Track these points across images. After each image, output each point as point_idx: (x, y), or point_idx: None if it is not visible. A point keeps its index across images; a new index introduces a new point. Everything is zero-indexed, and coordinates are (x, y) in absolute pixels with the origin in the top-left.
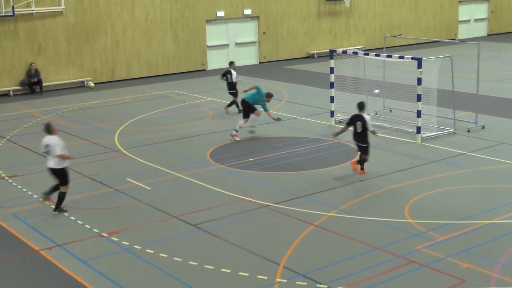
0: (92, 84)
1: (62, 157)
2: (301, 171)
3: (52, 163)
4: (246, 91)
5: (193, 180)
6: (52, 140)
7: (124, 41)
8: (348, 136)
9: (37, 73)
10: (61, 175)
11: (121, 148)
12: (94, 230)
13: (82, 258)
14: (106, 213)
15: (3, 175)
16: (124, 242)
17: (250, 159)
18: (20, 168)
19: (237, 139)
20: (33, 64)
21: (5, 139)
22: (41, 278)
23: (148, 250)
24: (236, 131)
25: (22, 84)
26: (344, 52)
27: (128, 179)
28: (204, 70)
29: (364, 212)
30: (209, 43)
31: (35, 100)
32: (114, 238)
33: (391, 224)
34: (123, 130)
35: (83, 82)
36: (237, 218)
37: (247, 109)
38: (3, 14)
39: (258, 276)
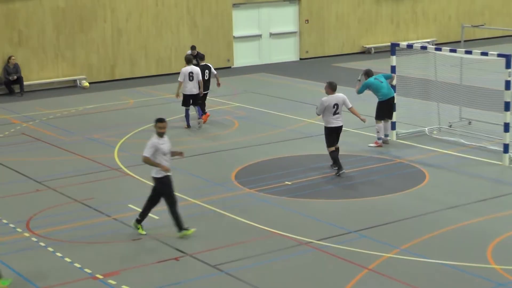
0: (87, 84)
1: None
2: (352, 199)
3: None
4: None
5: (213, 208)
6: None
7: (127, 30)
8: (412, 155)
9: (16, 69)
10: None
11: (121, 166)
12: (86, 270)
13: None
14: (101, 248)
15: None
16: (123, 287)
17: (286, 182)
18: None
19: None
20: (12, 58)
21: None
22: None
23: None
24: (380, 139)
25: None
26: (410, 46)
27: (130, 205)
28: (230, 67)
29: (433, 253)
30: (236, 33)
31: (14, 103)
32: (111, 281)
33: (469, 269)
34: (125, 143)
35: (75, 81)
36: (269, 259)
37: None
38: None
39: None
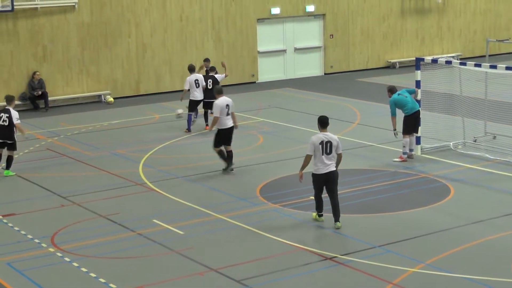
0: (111, 99)
1: None
2: (377, 214)
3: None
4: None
5: (238, 223)
6: None
7: (152, 45)
8: (437, 170)
9: (41, 84)
10: None
11: (146, 181)
12: (111, 285)
13: None
14: (126, 263)
15: None
16: None
17: (311, 197)
18: (18, 205)
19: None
20: (37, 73)
21: (0, 168)
22: None
23: None
24: (405, 153)
25: (22, 98)
26: (435, 61)
27: (155, 220)
28: (254, 82)
29: (458, 268)
30: (260, 48)
31: (39, 119)
32: None
33: (493, 284)
34: (150, 158)
35: (99, 96)
36: (294, 273)
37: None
38: (0, 9)
39: None
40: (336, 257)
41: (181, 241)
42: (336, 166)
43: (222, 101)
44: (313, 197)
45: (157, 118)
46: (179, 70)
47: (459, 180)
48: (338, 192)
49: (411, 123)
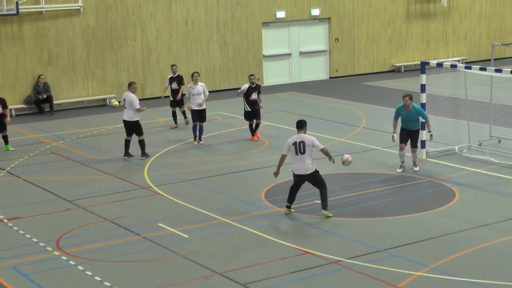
0: (116, 103)
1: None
2: (381, 217)
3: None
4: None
5: (243, 226)
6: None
7: (157, 48)
8: (442, 174)
9: (46, 88)
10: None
11: (151, 185)
12: None
13: None
14: (131, 267)
15: (1, 216)
16: None
17: (316, 201)
18: (22, 208)
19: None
20: (42, 77)
21: (5, 171)
22: None
23: None
24: (415, 161)
25: (27, 101)
26: (440, 64)
27: (160, 224)
28: (260, 86)
29: (463, 271)
30: (266, 52)
31: (44, 122)
32: None
33: None
34: (155, 161)
35: (104, 100)
36: (299, 277)
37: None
38: (5, 12)
39: None
40: (341, 260)
41: (186, 244)
42: (330, 158)
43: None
44: (317, 201)
45: (162, 122)
46: (184, 74)
47: (464, 184)
48: (342, 196)
49: (404, 135)
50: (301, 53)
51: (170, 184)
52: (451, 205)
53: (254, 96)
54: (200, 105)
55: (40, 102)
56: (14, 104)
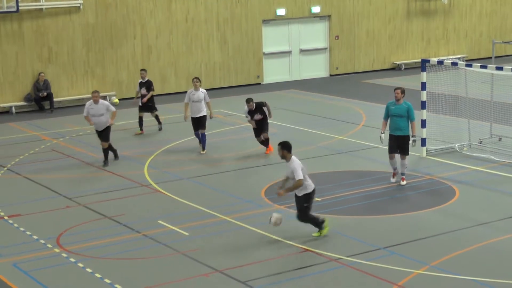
0: (116, 101)
1: None
2: (382, 215)
3: None
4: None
5: (243, 224)
6: None
7: (157, 46)
8: (442, 172)
9: (46, 85)
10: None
11: (151, 182)
12: (116, 286)
13: None
14: (131, 264)
15: (2, 213)
16: None
17: (317, 199)
18: (23, 205)
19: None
20: (42, 74)
21: (5, 169)
22: None
23: None
24: (403, 174)
25: (27, 99)
26: (440, 62)
27: (160, 221)
28: (260, 84)
29: (463, 269)
30: (266, 49)
31: (44, 120)
32: None
33: (499, 286)
34: (155, 159)
35: (105, 97)
36: (299, 275)
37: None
38: (5, 9)
39: None
40: (341, 258)
41: (186, 242)
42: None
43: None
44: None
45: (162, 120)
46: (184, 72)
47: (464, 182)
48: (342, 194)
49: (392, 145)
50: (301, 51)
51: (170, 182)
52: (451, 203)
53: (257, 117)
54: (200, 112)
55: (40, 100)
56: (14, 102)
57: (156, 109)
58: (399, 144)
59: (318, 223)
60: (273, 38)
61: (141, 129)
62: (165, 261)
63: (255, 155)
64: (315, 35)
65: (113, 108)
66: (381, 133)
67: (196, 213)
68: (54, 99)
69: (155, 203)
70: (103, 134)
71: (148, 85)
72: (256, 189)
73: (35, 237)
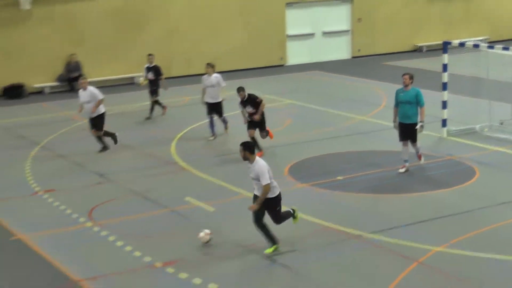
0: (143, 81)
1: None
2: (402, 194)
3: None
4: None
5: None
6: None
7: (181, 29)
8: (463, 152)
9: (78, 66)
10: None
11: (179, 161)
12: (145, 259)
13: None
14: (160, 238)
15: (37, 189)
16: (181, 275)
17: (338, 178)
18: (57, 181)
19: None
20: (74, 55)
21: (39, 146)
22: None
23: (210, 286)
24: (405, 161)
25: (60, 79)
26: (462, 44)
27: (187, 198)
28: (283, 65)
29: (483, 248)
30: (289, 32)
31: (75, 100)
32: (169, 270)
33: None
34: (181, 138)
35: (132, 78)
36: (321, 251)
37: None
38: None
39: None
40: (361, 235)
41: (212, 218)
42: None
43: None
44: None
45: (187, 100)
46: (207, 54)
47: (484, 162)
48: (363, 173)
49: (401, 133)
50: (324, 33)
51: (196, 160)
52: (472, 183)
53: (248, 109)
54: (214, 97)
55: (72, 80)
56: (47, 82)
57: (157, 95)
58: (408, 132)
59: (271, 237)
60: (296, 21)
61: (162, 107)
62: (192, 236)
63: (277, 135)
64: (338, 17)
65: (99, 96)
66: (393, 121)
67: (222, 190)
68: None
69: (182, 180)
70: (96, 122)
71: (155, 69)
72: (279, 168)
73: (68, 211)
